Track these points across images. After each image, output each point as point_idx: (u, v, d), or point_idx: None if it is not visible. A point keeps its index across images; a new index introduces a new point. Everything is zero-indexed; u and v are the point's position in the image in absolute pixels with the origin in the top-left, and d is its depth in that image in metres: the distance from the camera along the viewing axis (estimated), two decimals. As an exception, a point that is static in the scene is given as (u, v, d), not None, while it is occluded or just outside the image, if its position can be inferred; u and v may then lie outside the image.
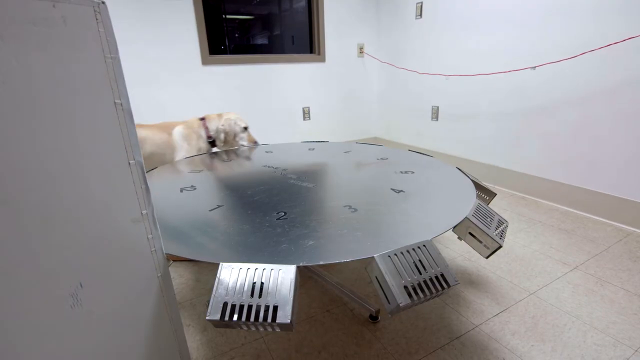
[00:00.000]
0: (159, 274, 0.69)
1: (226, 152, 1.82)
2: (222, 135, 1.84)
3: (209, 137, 1.84)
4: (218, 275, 0.70)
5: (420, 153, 1.68)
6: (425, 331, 1.13)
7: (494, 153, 2.44)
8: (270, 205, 1.05)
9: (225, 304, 0.67)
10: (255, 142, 1.95)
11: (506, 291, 1.32)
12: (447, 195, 1.09)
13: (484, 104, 2.44)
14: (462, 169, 1.34)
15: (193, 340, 1.13)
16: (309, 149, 1.79)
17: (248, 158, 1.66)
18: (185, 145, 1.76)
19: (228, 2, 2.75)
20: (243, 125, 1.89)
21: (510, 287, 1.34)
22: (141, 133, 1.63)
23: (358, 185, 1.21)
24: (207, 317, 0.65)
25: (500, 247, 0.94)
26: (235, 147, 1.92)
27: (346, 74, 3.29)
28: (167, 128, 1.74)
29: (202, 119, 1.85)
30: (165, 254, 0.72)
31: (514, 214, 2.00)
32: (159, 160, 1.69)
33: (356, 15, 3.17)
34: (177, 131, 1.74)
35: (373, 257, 0.75)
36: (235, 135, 1.89)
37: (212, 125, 1.84)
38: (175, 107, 2.63)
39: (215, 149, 1.87)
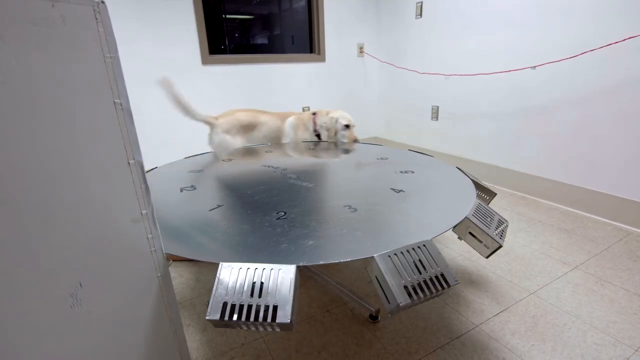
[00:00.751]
0: (159, 274, 0.69)
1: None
2: (324, 131, 1.99)
3: (315, 130, 2.00)
4: (218, 275, 0.70)
5: (420, 153, 1.68)
6: (425, 331, 1.13)
7: (494, 153, 2.44)
8: (270, 205, 1.05)
9: (225, 304, 0.67)
10: (356, 140, 1.97)
11: (506, 291, 1.32)
12: (447, 195, 1.09)
13: (484, 104, 2.44)
14: (462, 169, 1.34)
15: (193, 340, 1.13)
16: (309, 149, 1.79)
17: (250, 158, 1.66)
18: (292, 134, 2.00)
19: (228, 2, 2.75)
20: (345, 123, 1.95)
21: (510, 287, 1.34)
22: (261, 118, 1.97)
23: (358, 185, 1.21)
24: (207, 317, 0.65)
25: (500, 246, 0.94)
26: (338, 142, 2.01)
27: (346, 74, 3.29)
28: (283, 117, 2.01)
29: (314, 113, 2.02)
30: (165, 253, 0.72)
31: (514, 213, 2.00)
32: (268, 140, 2.02)
33: (356, 15, 3.17)
34: (289, 121, 2.00)
35: (373, 256, 0.75)
36: (336, 132, 1.97)
37: (320, 121, 1.99)
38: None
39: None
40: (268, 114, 2.00)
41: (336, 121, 1.95)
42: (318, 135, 2.01)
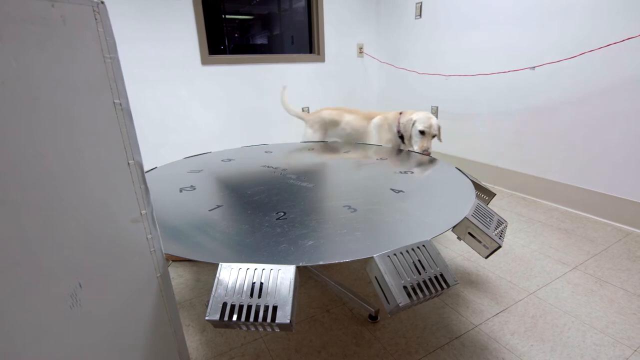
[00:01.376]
0: (159, 274, 0.69)
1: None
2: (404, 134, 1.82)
3: (398, 131, 1.83)
4: (217, 275, 0.70)
5: (420, 153, 1.68)
6: (424, 331, 1.13)
7: (493, 153, 2.44)
8: (269, 205, 1.05)
9: (224, 304, 0.67)
10: (426, 152, 1.69)
11: (505, 291, 1.32)
12: (447, 195, 1.09)
13: (483, 104, 2.44)
14: (462, 169, 1.34)
15: (192, 341, 1.13)
16: (309, 149, 1.79)
17: (248, 158, 1.66)
18: (376, 135, 1.91)
19: (227, 1, 2.75)
20: (420, 128, 1.70)
21: (509, 287, 1.34)
22: (346, 117, 2.00)
23: (357, 185, 1.21)
24: (206, 317, 0.65)
25: (499, 247, 0.94)
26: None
27: (346, 74, 3.29)
28: (369, 117, 1.96)
29: (401, 113, 1.85)
30: (165, 254, 0.72)
31: (513, 213, 2.00)
32: (352, 139, 2.02)
33: (356, 15, 3.17)
34: (374, 122, 1.92)
35: (372, 257, 0.75)
36: (410, 137, 1.77)
37: (402, 121, 1.82)
38: (175, 107, 2.63)
39: (402, 146, 1.85)
40: (355, 113, 2.01)
41: (412, 124, 1.73)
42: (402, 137, 1.83)
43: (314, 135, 2.08)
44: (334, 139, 2.09)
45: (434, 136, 1.74)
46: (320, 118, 2.06)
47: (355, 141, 2.01)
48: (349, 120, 2.00)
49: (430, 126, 1.70)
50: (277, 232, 0.88)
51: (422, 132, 1.70)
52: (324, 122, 2.05)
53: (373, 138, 1.93)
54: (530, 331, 1.12)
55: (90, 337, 0.58)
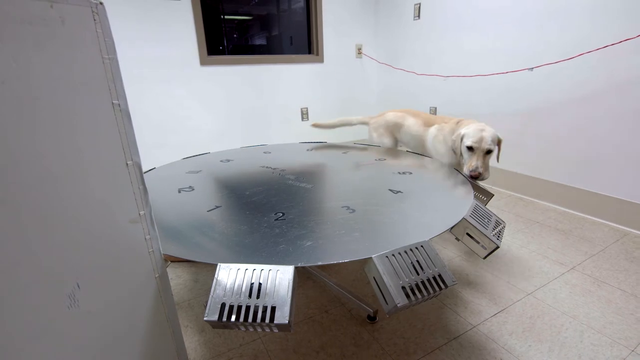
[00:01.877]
0: (157, 275, 0.69)
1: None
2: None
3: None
4: (216, 276, 0.70)
5: (418, 154, 1.68)
6: (423, 331, 1.13)
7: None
8: (268, 205, 1.05)
9: (223, 305, 0.67)
10: (474, 173, 1.35)
11: (503, 291, 1.32)
12: (445, 196, 1.10)
13: (481, 105, 2.45)
14: (460, 170, 1.34)
15: (191, 341, 1.13)
16: (307, 150, 1.80)
17: (247, 159, 1.66)
18: (431, 146, 1.71)
19: (226, 2, 2.75)
20: (468, 143, 1.38)
21: (507, 288, 1.34)
22: (408, 120, 1.85)
23: (356, 186, 1.21)
24: (204, 318, 0.66)
25: (497, 247, 0.94)
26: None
27: (344, 75, 3.29)
28: (429, 123, 1.75)
29: (458, 122, 1.57)
30: (163, 254, 0.72)
31: (511, 214, 2.01)
32: (412, 147, 1.86)
33: (354, 16, 3.18)
34: (430, 131, 1.72)
35: (371, 257, 0.75)
36: (461, 154, 1.46)
37: (454, 135, 1.53)
38: (174, 108, 2.63)
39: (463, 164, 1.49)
40: (417, 117, 1.82)
41: (461, 139, 1.43)
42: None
43: (380, 139, 1.95)
44: (399, 144, 1.95)
45: (488, 153, 1.38)
46: (385, 121, 1.94)
47: (414, 149, 1.82)
48: (410, 124, 1.83)
49: (480, 140, 1.36)
50: (275, 232, 0.88)
51: (470, 149, 1.39)
52: (388, 126, 1.93)
53: (428, 148, 1.70)
54: (528, 331, 1.12)
55: (88, 337, 0.58)
